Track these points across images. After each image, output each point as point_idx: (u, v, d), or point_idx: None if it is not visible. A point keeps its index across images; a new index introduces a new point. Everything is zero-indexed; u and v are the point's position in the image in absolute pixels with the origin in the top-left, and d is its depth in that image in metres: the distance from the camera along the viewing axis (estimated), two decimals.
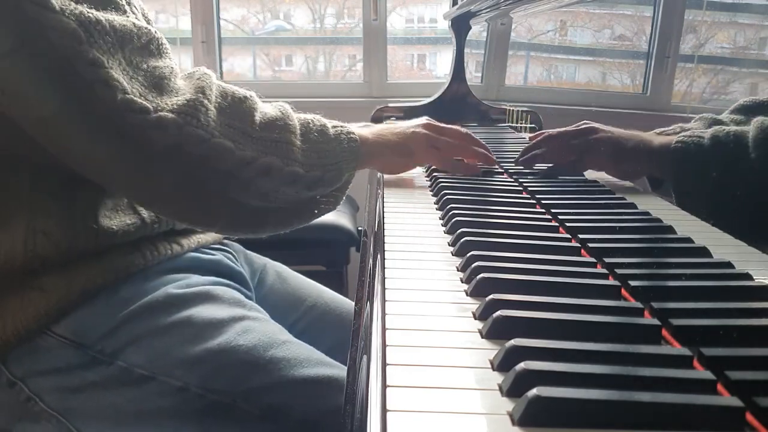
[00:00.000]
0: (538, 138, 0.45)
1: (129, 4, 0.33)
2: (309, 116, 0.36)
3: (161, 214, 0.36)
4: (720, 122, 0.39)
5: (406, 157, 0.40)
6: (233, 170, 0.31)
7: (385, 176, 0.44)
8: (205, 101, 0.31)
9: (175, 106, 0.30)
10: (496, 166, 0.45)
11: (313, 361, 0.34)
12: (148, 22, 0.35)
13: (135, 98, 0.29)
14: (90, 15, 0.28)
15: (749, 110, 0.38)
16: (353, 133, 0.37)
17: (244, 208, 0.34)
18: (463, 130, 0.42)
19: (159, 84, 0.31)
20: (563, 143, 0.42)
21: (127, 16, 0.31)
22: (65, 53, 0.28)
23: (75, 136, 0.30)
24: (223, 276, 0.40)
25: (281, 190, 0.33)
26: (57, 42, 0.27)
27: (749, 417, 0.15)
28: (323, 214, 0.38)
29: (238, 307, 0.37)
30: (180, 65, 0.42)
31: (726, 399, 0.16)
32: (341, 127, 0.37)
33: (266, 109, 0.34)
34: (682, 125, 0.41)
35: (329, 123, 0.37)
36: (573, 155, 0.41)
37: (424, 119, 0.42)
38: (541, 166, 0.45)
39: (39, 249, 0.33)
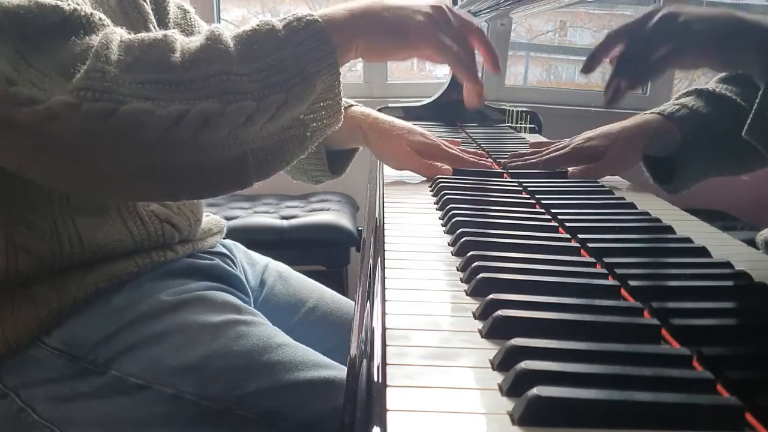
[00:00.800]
0: (602, 42, 0.31)
1: None
2: (252, 25, 0.28)
3: (116, 201, 0.31)
4: (719, 94, 0.37)
5: (398, 38, 0.30)
6: (163, 132, 0.25)
7: (385, 176, 0.43)
8: (99, 64, 0.25)
9: (69, 86, 0.24)
10: (495, 167, 0.44)
11: (310, 364, 0.34)
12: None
13: (21, 89, 0.24)
14: None
15: (738, 80, 0.37)
16: (316, 21, 0.27)
17: (204, 169, 0.27)
18: (476, 25, 0.32)
19: (67, 66, 0.25)
20: (638, 47, 0.30)
21: None
22: None
23: None
24: (218, 280, 0.39)
25: (237, 133, 0.26)
26: None
27: (748, 416, 0.15)
28: (322, 134, 0.29)
29: (232, 312, 0.36)
30: None
31: (725, 398, 0.16)
32: (297, 20, 0.27)
33: (189, 44, 0.27)
34: (679, 102, 0.39)
35: (279, 23, 0.28)
36: (653, 62, 0.29)
37: (432, 3, 0.31)
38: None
39: (21, 266, 0.32)
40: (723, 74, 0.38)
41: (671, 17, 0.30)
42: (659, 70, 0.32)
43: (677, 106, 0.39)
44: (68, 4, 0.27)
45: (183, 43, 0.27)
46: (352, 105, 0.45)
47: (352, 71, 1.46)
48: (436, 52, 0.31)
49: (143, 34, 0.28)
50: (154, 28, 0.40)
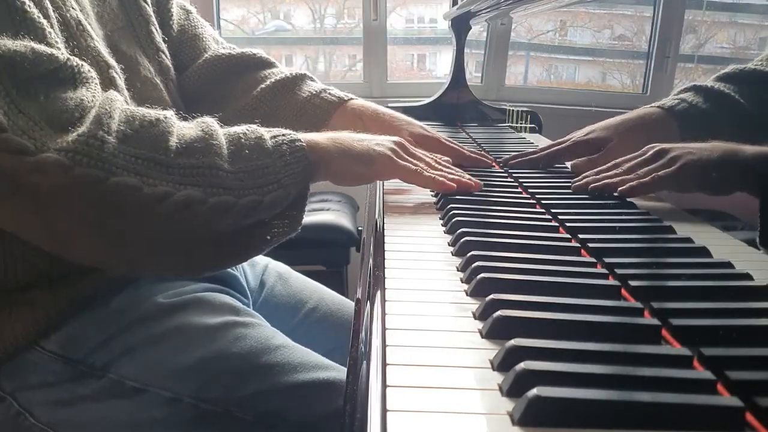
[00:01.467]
0: (607, 176, 0.36)
1: (76, 30, 0.29)
2: (242, 129, 0.30)
3: (81, 262, 0.30)
4: (717, 90, 0.38)
5: (364, 166, 0.33)
6: (145, 208, 0.26)
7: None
8: (101, 132, 0.26)
9: (63, 144, 0.25)
10: (495, 166, 0.44)
11: (309, 365, 0.34)
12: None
13: (12, 137, 0.24)
14: None
15: (735, 78, 0.37)
16: (299, 140, 0.31)
17: (171, 248, 0.29)
18: (431, 157, 0.37)
19: (57, 118, 0.26)
20: (636, 173, 0.34)
21: (30, 41, 0.26)
22: None
23: None
24: (216, 282, 0.39)
25: (212, 223, 0.28)
26: None
27: (749, 417, 0.15)
28: (280, 240, 0.32)
29: (231, 314, 0.36)
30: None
31: (726, 399, 0.16)
32: (283, 135, 0.31)
33: (185, 130, 0.29)
34: (679, 97, 0.39)
35: (268, 134, 0.30)
36: (655, 183, 0.33)
37: (395, 138, 0.36)
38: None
39: (18, 273, 0.32)
40: (722, 72, 0.39)
41: (663, 151, 0.33)
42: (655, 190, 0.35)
43: (677, 101, 0.40)
44: (62, 54, 0.28)
45: (179, 128, 0.29)
46: (351, 98, 0.46)
47: (353, 71, 1.47)
48: (401, 177, 0.36)
49: (143, 110, 0.29)
50: (156, 30, 0.41)
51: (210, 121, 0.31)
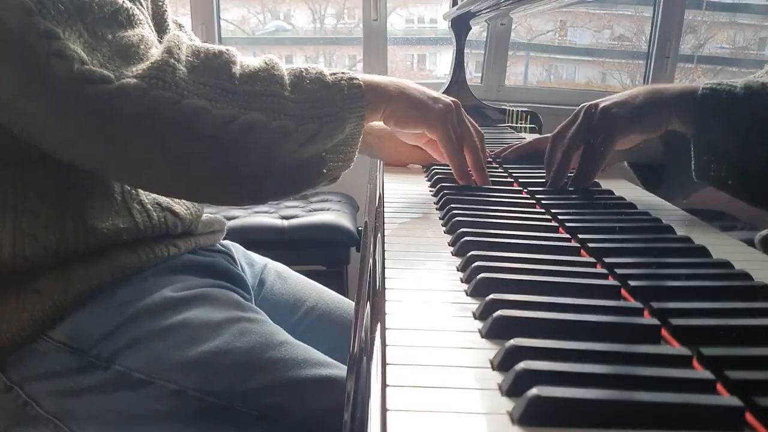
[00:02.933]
0: (556, 157, 0.37)
1: None
2: (304, 66, 0.32)
3: (145, 189, 0.33)
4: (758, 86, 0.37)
5: (419, 113, 0.35)
6: (213, 130, 0.28)
7: (385, 176, 0.44)
8: (172, 60, 0.28)
9: (139, 72, 0.28)
10: (494, 164, 0.45)
11: (312, 362, 0.34)
12: None
13: (94, 68, 0.27)
14: None
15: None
16: (356, 79, 0.33)
17: (235, 173, 0.31)
18: (476, 138, 0.38)
19: (126, 52, 0.29)
20: (573, 138, 0.35)
21: None
22: (16, 26, 0.26)
23: (39, 115, 0.28)
24: (220, 278, 0.40)
25: (272, 148, 0.30)
26: (5, 16, 0.26)
27: (749, 417, 0.15)
28: (334, 175, 0.33)
29: (235, 309, 0.36)
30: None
31: (725, 399, 0.16)
32: (342, 73, 0.33)
33: (249, 61, 0.31)
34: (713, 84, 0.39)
35: (328, 70, 0.32)
36: (601, 154, 0.34)
37: (452, 99, 0.37)
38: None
39: (28, 252, 0.32)
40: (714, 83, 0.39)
41: (591, 108, 0.35)
42: (602, 157, 0.35)
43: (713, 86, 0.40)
44: None
45: (242, 59, 0.31)
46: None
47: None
48: (441, 137, 0.37)
49: (207, 44, 0.31)
50: (152, 31, 0.41)
51: (274, 57, 0.33)
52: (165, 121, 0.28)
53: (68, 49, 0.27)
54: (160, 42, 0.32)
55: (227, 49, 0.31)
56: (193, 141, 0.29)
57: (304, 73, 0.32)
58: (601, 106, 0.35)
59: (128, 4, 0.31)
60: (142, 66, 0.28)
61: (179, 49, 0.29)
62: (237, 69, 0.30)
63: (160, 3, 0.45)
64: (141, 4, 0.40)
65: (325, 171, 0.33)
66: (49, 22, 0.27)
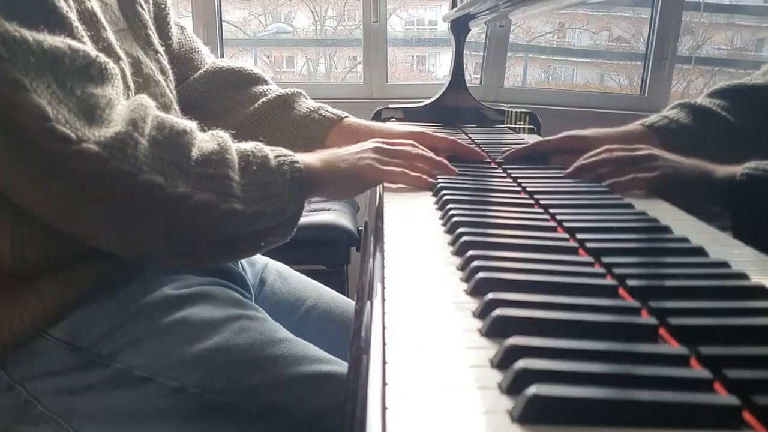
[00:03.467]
0: (596, 158, 0.39)
1: (91, 21, 0.32)
2: (250, 146, 0.34)
3: (91, 243, 0.33)
4: (702, 107, 0.39)
5: (355, 182, 0.37)
6: (165, 206, 0.30)
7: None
8: (136, 134, 0.29)
9: (102, 139, 0.28)
10: (490, 162, 0.45)
11: (311, 359, 0.34)
12: (108, 49, 0.32)
13: (56, 126, 0.27)
14: (16, 34, 0.27)
15: (727, 94, 0.39)
16: (298, 163, 0.34)
17: (180, 244, 0.32)
18: (414, 150, 0.39)
19: (91, 114, 0.29)
20: (621, 169, 0.37)
21: (65, 37, 0.29)
22: None
23: (1, 157, 0.28)
24: (220, 276, 0.40)
25: (219, 227, 0.31)
26: None
27: (746, 415, 0.15)
28: (269, 248, 0.36)
29: (235, 307, 0.36)
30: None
31: (723, 398, 0.16)
32: (284, 156, 0.34)
33: (204, 143, 0.32)
34: (663, 114, 0.41)
35: (272, 153, 0.34)
36: (630, 183, 0.36)
37: (371, 141, 0.39)
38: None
39: (28, 256, 0.32)
40: (713, 89, 0.40)
41: (651, 157, 0.37)
42: (633, 189, 0.37)
43: (660, 117, 0.43)
44: (92, 51, 0.31)
45: (200, 140, 0.33)
46: (346, 116, 0.49)
47: (353, 72, 1.47)
48: (386, 182, 0.38)
49: (173, 119, 0.32)
50: (153, 34, 0.42)
51: (225, 136, 0.34)
52: (119, 192, 0.29)
53: (32, 102, 0.26)
54: (127, 97, 0.32)
55: (190, 129, 0.32)
56: (144, 213, 0.30)
57: (251, 157, 0.33)
58: (659, 160, 0.36)
59: (102, 59, 0.30)
60: (105, 133, 0.28)
61: (144, 122, 0.30)
62: (195, 151, 0.31)
63: (162, 6, 0.46)
64: (142, 7, 0.41)
65: (263, 244, 0.35)
66: (18, 72, 0.26)
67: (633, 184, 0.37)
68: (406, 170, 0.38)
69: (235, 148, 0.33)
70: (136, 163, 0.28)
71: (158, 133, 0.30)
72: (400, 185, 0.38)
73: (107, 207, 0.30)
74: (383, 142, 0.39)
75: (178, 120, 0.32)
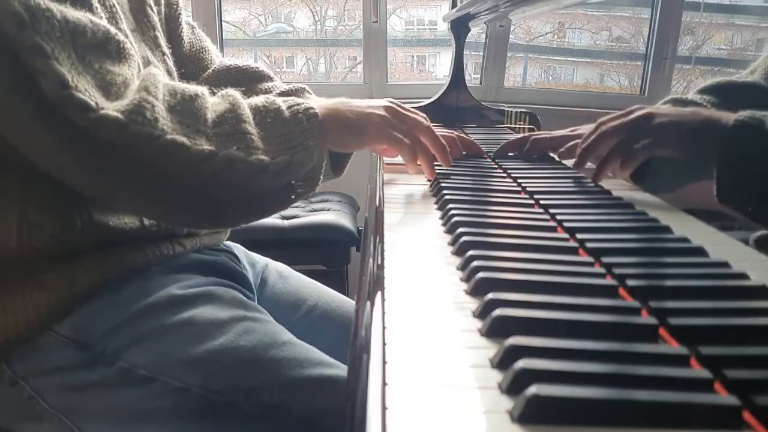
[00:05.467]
0: (592, 137, 0.38)
1: (111, 12, 0.32)
2: (260, 100, 0.33)
3: (114, 207, 0.33)
4: (692, 102, 0.40)
5: (357, 136, 0.36)
6: (192, 166, 0.29)
7: (385, 176, 0.44)
8: (150, 98, 0.28)
9: (120, 106, 0.28)
10: (487, 158, 0.46)
11: (314, 361, 0.35)
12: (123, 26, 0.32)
13: (75, 94, 0.27)
14: (40, 1, 0.26)
15: (718, 91, 0.39)
16: (312, 108, 0.34)
17: (209, 203, 0.32)
18: (426, 123, 0.38)
19: (107, 89, 0.29)
20: (623, 140, 0.36)
21: (86, 12, 0.29)
22: (9, 33, 0.26)
23: (23, 122, 0.28)
24: (224, 277, 0.40)
25: (249, 181, 0.31)
26: (1, 18, 0.26)
27: (746, 415, 0.15)
28: (301, 199, 0.35)
29: (239, 308, 0.37)
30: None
31: (723, 398, 0.16)
32: (296, 105, 0.34)
33: (216, 105, 0.32)
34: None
35: (284, 104, 0.34)
36: (636, 152, 0.35)
37: (386, 101, 0.38)
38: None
39: (34, 241, 0.32)
40: (705, 84, 0.40)
41: (648, 116, 0.36)
42: (641, 158, 0.37)
43: None
44: (113, 28, 0.31)
45: (213, 103, 0.32)
46: None
47: (353, 72, 1.47)
48: (388, 146, 0.38)
49: (182, 84, 0.32)
50: (161, 36, 0.43)
51: (234, 93, 0.33)
52: (144, 156, 0.28)
53: (52, 68, 0.26)
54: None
55: (201, 92, 0.32)
56: (172, 175, 0.30)
57: (263, 111, 0.33)
58: (656, 117, 0.36)
59: (120, 37, 0.30)
60: (122, 102, 0.28)
61: (156, 87, 0.30)
62: (209, 114, 0.31)
63: (175, 6, 0.46)
64: (152, 9, 0.41)
65: (293, 197, 0.34)
66: (39, 38, 0.26)
67: (640, 154, 0.35)
68: (408, 144, 0.37)
69: (247, 104, 0.33)
70: (158, 125, 0.28)
71: (171, 98, 0.30)
72: (394, 161, 0.38)
73: (133, 172, 0.29)
74: (397, 105, 0.38)
75: (187, 85, 0.32)
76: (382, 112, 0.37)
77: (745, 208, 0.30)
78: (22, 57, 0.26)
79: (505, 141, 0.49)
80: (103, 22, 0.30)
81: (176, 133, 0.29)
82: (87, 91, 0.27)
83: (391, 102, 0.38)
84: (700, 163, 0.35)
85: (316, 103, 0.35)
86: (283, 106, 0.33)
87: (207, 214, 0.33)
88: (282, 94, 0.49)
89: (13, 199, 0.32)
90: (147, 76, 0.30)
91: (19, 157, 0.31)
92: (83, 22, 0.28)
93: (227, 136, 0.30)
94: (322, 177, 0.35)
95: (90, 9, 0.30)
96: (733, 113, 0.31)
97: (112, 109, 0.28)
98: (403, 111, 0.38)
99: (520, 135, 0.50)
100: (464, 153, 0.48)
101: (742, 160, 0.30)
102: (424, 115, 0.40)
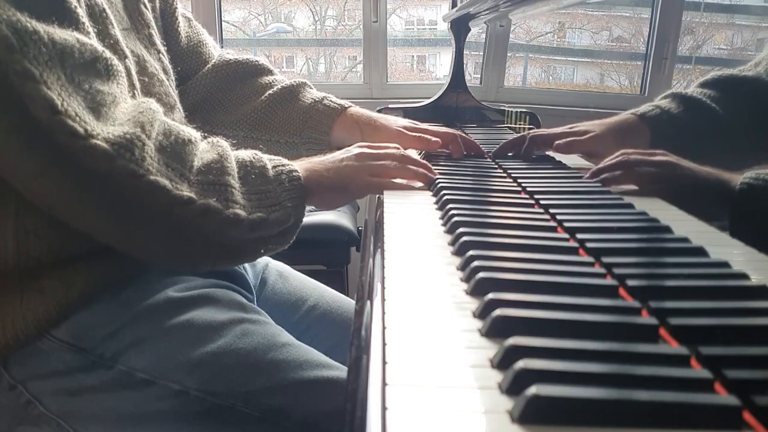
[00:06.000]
0: (614, 162, 0.39)
1: (99, 17, 0.32)
2: (248, 155, 0.34)
3: (92, 235, 0.32)
4: (692, 98, 0.40)
5: (341, 192, 0.37)
6: (169, 209, 0.29)
7: None
8: (143, 136, 0.29)
9: (110, 136, 0.28)
10: (488, 159, 0.46)
11: (313, 363, 0.34)
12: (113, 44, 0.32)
13: (65, 120, 0.27)
14: (27, 24, 0.26)
15: (719, 85, 0.39)
16: (295, 171, 0.35)
17: (181, 248, 0.32)
18: (398, 151, 0.39)
19: (98, 110, 0.29)
20: (639, 174, 0.38)
21: (74, 30, 0.29)
22: None
23: (8, 146, 0.28)
24: (223, 278, 0.40)
25: (222, 232, 0.31)
26: None
27: (747, 416, 0.15)
28: (270, 253, 0.36)
29: (238, 310, 0.37)
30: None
31: (723, 398, 0.16)
32: (282, 165, 0.35)
33: (205, 153, 0.33)
34: (655, 104, 0.42)
35: (270, 162, 0.35)
36: (646, 184, 0.37)
37: (355, 147, 0.39)
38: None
39: (31, 250, 0.32)
40: (704, 79, 0.40)
41: (670, 165, 0.37)
42: (651, 191, 0.37)
43: (651, 107, 0.43)
44: (99, 46, 0.31)
45: (202, 150, 0.33)
46: (350, 106, 0.49)
47: (353, 72, 1.47)
48: (372, 191, 0.38)
49: (179, 126, 0.32)
50: (156, 34, 0.42)
51: (224, 145, 0.34)
52: (125, 190, 0.29)
53: (41, 93, 0.26)
54: (132, 96, 0.32)
55: (194, 139, 0.32)
56: (148, 214, 0.30)
57: (249, 167, 0.34)
58: (677, 169, 0.36)
59: (107, 54, 0.30)
60: (114, 131, 0.28)
61: (152, 126, 0.30)
62: (197, 161, 0.32)
63: (170, 0, 0.45)
64: (146, 6, 0.41)
65: (262, 251, 0.35)
66: (28, 63, 0.26)
67: (645, 178, 0.37)
68: (392, 172, 0.37)
69: (234, 156, 0.33)
70: (143, 164, 0.28)
71: (164, 139, 0.30)
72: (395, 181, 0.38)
73: (111, 204, 0.30)
74: (367, 145, 0.39)
75: (183, 128, 0.32)
76: (354, 161, 0.37)
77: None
78: (13, 82, 0.26)
79: (505, 141, 0.49)
80: (91, 41, 0.30)
81: (160, 175, 0.29)
82: (77, 116, 0.27)
83: (360, 145, 0.39)
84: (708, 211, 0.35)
85: (301, 165, 0.36)
86: (269, 165, 0.34)
87: (180, 255, 0.33)
88: (287, 87, 0.49)
89: (9, 208, 0.32)
90: (146, 112, 0.30)
91: None
92: (70, 42, 0.28)
93: (209, 185, 0.31)
94: (293, 239, 0.36)
95: (76, 27, 0.30)
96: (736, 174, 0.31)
97: (102, 138, 0.28)
98: (374, 149, 0.39)
99: (519, 135, 0.50)
100: (464, 153, 0.49)
101: (755, 227, 0.30)
102: (396, 145, 0.41)
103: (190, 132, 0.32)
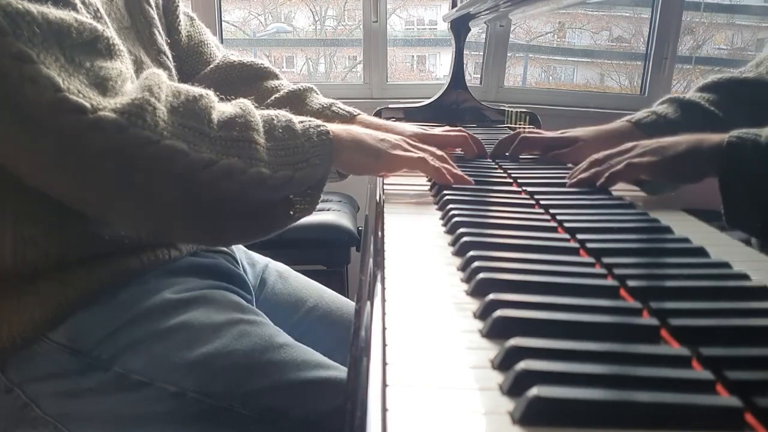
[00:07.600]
0: (585, 167, 0.38)
1: (95, 16, 0.30)
2: (273, 112, 0.33)
3: (113, 226, 0.32)
4: (690, 102, 0.40)
5: (373, 158, 0.36)
6: (189, 174, 0.28)
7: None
8: (152, 99, 0.27)
9: (118, 106, 0.26)
10: (493, 163, 0.46)
11: (311, 364, 0.34)
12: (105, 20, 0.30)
13: (69, 96, 0.25)
14: (19, 6, 0.25)
15: (718, 88, 0.39)
16: (323, 126, 0.33)
17: (205, 215, 0.30)
18: (438, 152, 0.38)
19: (103, 84, 0.27)
20: (611, 162, 0.37)
21: (70, 11, 0.28)
22: None
23: (11, 137, 0.27)
24: (221, 279, 0.40)
25: (247, 194, 0.29)
26: None
27: (748, 417, 0.15)
28: (299, 219, 0.34)
29: (235, 311, 0.36)
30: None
31: (725, 399, 0.16)
32: (309, 121, 0.33)
33: (225, 107, 0.31)
34: (651, 110, 0.42)
35: (296, 118, 0.33)
36: (625, 170, 0.36)
37: (399, 136, 0.38)
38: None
39: (28, 257, 0.32)
40: (703, 82, 0.40)
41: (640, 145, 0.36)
42: (619, 177, 0.37)
43: (647, 114, 0.43)
44: (100, 26, 0.30)
45: (218, 104, 0.31)
46: (359, 113, 0.49)
47: (353, 72, 1.47)
48: (401, 167, 0.38)
49: (186, 86, 0.31)
50: (159, 33, 0.42)
51: (246, 102, 0.32)
52: (141, 161, 0.27)
53: (41, 73, 0.25)
54: (137, 76, 0.31)
55: (206, 93, 0.31)
56: (167, 182, 0.28)
57: (274, 121, 0.32)
58: (650, 146, 0.36)
59: (108, 33, 0.29)
60: (121, 100, 0.27)
61: (159, 88, 0.28)
62: (215, 114, 0.30)
63: None
64: (149, 3, 0.41)
65: (292, 214, 0.33)
66: (22, 44, 0.25)
67: (628, 170, 0.36)
68: (425, 157, 0.36)
69: (258, 112, 0.32)
70: (157, 129, 0.27)
71: (174, 99, 0.29)
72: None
73: (129, 180, 0.28)
74: (413, 136, 0.39)
75: (191, 86, 0.31)
76: (398, 142, 0.37)
77: (755, 228, 0.30)
78: (8, 66, 0.25)
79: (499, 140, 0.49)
80: (90, 20, 0.29)
81: (176, 138, 0.27)
82: (81, 93, 0.26)
83: (404, 138, 0.38)
84: (700, 180, 0.34)
85: (336, 126, 0.35)
86: (295, 119, 0.33)
87: (203, 227, 0.31)
88: (294, 92, 0.48)
89: (7, 216, 0.32)
90: (151, 75, 0.29)
91: (12, 174, 0.30)
92: (68, 21, 0.27)
93: (232, 142, 0.29)
94: (320, 198, 0.34)
95: (74, 8, 0.29)
96: (717, 135, 0.31)
97: (110, 108, 0.26)
98: (416, 143, 0.38)
99: (512, 133, 0.49)
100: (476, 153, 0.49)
101: (745, 180, 0.30)
102: (434, 149, 0.40)
103: (199, 88, 0.31)
